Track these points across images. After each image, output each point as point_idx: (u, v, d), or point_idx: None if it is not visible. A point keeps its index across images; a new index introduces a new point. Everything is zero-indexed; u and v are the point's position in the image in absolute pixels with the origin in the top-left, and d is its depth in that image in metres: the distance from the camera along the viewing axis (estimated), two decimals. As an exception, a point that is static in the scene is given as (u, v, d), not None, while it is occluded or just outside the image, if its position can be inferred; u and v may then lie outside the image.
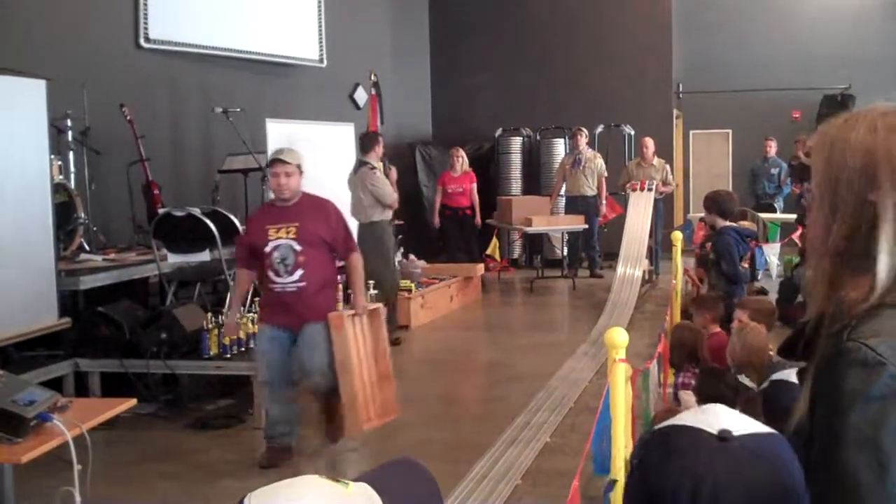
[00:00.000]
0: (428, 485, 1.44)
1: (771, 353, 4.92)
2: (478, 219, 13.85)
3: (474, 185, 13.94)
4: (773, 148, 15.02)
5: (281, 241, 6.03)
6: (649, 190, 13.18)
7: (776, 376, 3.68)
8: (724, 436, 1.29)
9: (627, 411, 3.46)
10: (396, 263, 10.67)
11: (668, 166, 13.94)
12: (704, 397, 4.54)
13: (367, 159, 9.74)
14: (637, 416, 4.69)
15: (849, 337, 1.41)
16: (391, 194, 9.81)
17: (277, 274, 6.00)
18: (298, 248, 6.02)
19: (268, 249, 6.02)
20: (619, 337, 3.26)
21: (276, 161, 6.14)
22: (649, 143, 13.74)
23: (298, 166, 6.20)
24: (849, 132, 1.53)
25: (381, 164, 10.05)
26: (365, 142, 9.94)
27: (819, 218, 1.55)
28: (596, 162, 14.07)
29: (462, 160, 13.86)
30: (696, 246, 8.55)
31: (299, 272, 6.01)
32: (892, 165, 1.48)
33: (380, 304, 6.57)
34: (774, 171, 14.86)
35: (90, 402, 4.27)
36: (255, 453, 6.22)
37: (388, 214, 9.89)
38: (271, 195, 9.35)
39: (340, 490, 1.24)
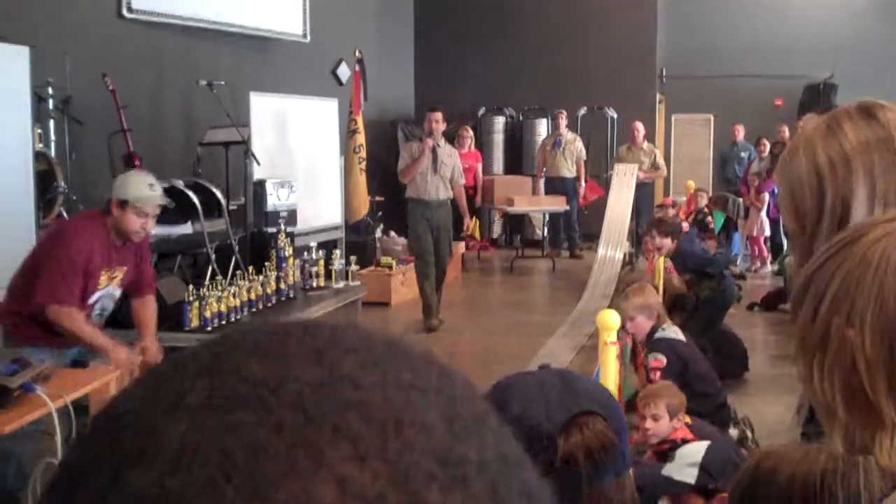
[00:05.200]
0: None
1: None
2: (478, 197, 13.90)
3: (480, 165, 14.02)
4: (741, 132, 15.12)
5: (105, 290, 4.80)
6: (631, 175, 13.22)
7: None
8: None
9: (616, 393, 3.46)
10: (437, 245, 9.76)
11: (657, 151, 14.01)
12: None
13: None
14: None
15: None
16: (399, 167, 9.73)
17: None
18: (118, 294, 4.94)
19: (92, 300, 4.76)
20: (611, 319, 3.26)
21: (149, 204, 4.73)
22: (640, 126, 13.78)
23: None
24: (794, 164, 1.60)
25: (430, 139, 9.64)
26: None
27: (797, 246, 1.63)
28: (575, 144, 14.13)
29: (471, 139, 13.96)
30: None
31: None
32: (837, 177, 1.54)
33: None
34: (744, 154, 14.93)
35: (74, 373, 4.23)
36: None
37: (414, 191, 9.62)
38: (255, 169, 9.32)
39: None
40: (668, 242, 7.65)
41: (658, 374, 5.30)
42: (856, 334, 1.08)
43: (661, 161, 13.98)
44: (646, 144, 13.81)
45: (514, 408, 1.42)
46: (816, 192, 1.52)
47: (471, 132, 14.18)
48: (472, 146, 14.08)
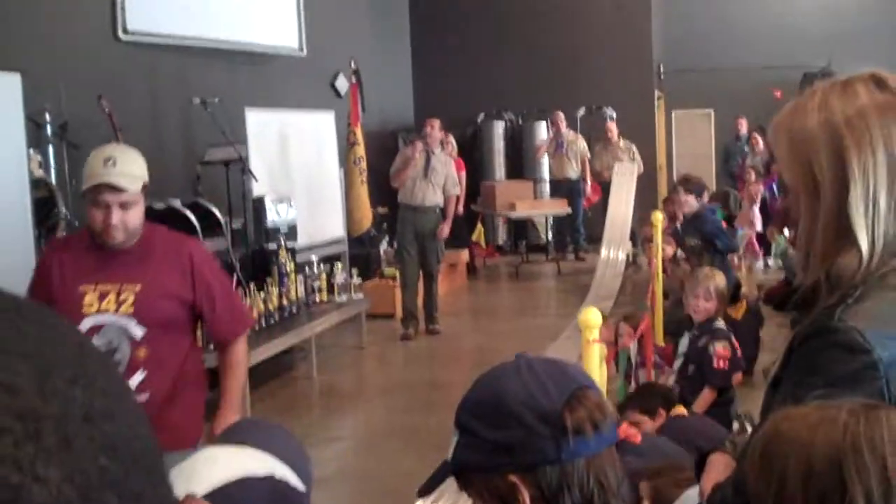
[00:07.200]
0: (289, 437, 1.55)
1: None
2: (460, 206, 13.78)
3: (463, 174, 13.93)
4: (744, 126, 15.12)
5: (107, 317, 3.26)
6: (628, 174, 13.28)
7: None
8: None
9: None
10: (422, 252, 9.87)
11: (633, 146, 14.02)
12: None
13: None
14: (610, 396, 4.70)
15: (840, 316, 1.41)
16: (391, 171, 10.02)
17: None
18: (139, 332, 3.27)
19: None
20: (592, 317, 3.27)
21: (100, 186, 3.16)
22: (612, 126, 13.98)
23: (144, 185, 3.26)
24: (804, 120, 1.55)
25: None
26: None
27: (805, 205, 1.56)
28: (578, 143, 14.11)
29: (452, 146, 13.87)
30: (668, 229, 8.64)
31: (138, 376, 3.26)
32: (855, 134, 1.50)
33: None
34: (747, 148, 14.92)
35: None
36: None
37: (403, 197, 9.85)
38: (254, 185, 9.36)
39: (236, 449, 1.39)
40: (692, 199, 7.58)
41: (725, 362, 5.37)
42: None
43: (639, 157, 14.00)
44: (622, 141, 13.88)
45: (511, 396, 1.46)
46: (832, 150, 1.50)
47: (451, 139, 14.00)
48: (455, 154, 13.95)
